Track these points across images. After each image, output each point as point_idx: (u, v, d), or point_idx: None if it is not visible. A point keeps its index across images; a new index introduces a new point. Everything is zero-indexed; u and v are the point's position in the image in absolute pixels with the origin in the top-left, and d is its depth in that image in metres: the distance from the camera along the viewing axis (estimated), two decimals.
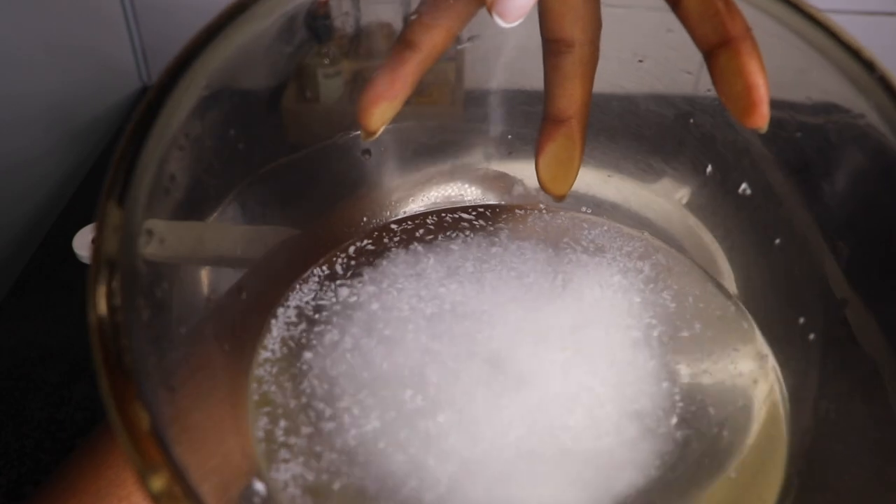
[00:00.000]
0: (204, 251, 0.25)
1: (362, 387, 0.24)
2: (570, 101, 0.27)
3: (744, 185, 0.28)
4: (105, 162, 0.68)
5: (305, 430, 0.23)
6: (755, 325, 0.27)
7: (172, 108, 0.21)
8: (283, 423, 0.24)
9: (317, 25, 0.30)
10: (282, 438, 0.23)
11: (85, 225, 0.47)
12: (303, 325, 0.26)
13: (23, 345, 0.52)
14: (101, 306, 0.17)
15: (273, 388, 0.25)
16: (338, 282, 0.28)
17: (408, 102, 0.32)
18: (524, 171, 0.32)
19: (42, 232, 0.61)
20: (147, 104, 0.21)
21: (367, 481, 0.22)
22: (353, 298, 0.27)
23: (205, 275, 0.25)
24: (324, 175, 0.31)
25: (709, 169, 0.29)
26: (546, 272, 0.27)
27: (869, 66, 0.22)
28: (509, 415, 0.23)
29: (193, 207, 0.24)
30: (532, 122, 0.29)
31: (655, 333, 0.26)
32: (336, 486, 0.22)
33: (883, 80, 0.22)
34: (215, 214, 0.26)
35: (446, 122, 0.34)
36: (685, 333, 0.26)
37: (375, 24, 0.31)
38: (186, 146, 0.23)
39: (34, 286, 0.57)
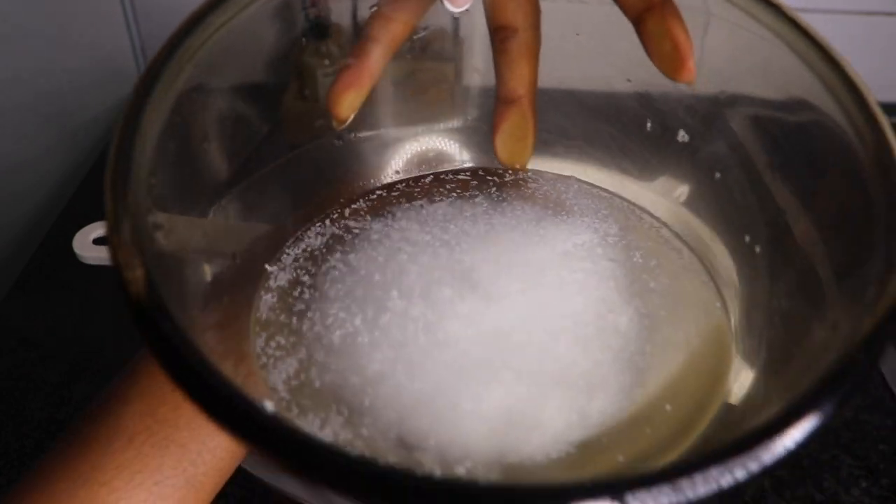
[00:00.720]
0: (201, 245, 0.25)
1: (350, 293, 0.26)
2: (518, 81, 0.29)
3: (681, 133, 0.30)
4: (105, 162, 0.68)
5: (296, 337, 0.25)
6: (708, 256, 0.29)
7: (161, 96, 0.21)
8: (277, 339, 0.25)
9: (317, 23, 0.31)
10: (275, 352, 0.25)
11: (85, 225, 0.46)
12: (302, 261, 0.28)
13: (23, 345, 0.52)
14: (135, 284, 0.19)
15: (269, 314, 0.26)
16: (341, 223, 0.29)
17: (409, 101, 0.33)
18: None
19: (42, 232, 0.61)
20: (139, 87, 0.21)
21: (347, 375, 0.23)
22: (357, 231, 0.29)
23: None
24: (321, 172, 0.31)
25: (649, 124, 0.31)
26: (530, 222, 0.29)
27: (774, 6, 0.25)
28: (469, 310, 0.24)
29: (188, 204, 0.25)
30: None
31: (617, 270, 0.27)
32: (318, 383, 0.23)
33: (778, 9, 0.24)
34: (211, 213, 0.26)
35: (444, 119, 0.34)
36: (648, 280, 0.27)
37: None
38: (180, 137, 0.23)
39: (34, 286, 0.57)
